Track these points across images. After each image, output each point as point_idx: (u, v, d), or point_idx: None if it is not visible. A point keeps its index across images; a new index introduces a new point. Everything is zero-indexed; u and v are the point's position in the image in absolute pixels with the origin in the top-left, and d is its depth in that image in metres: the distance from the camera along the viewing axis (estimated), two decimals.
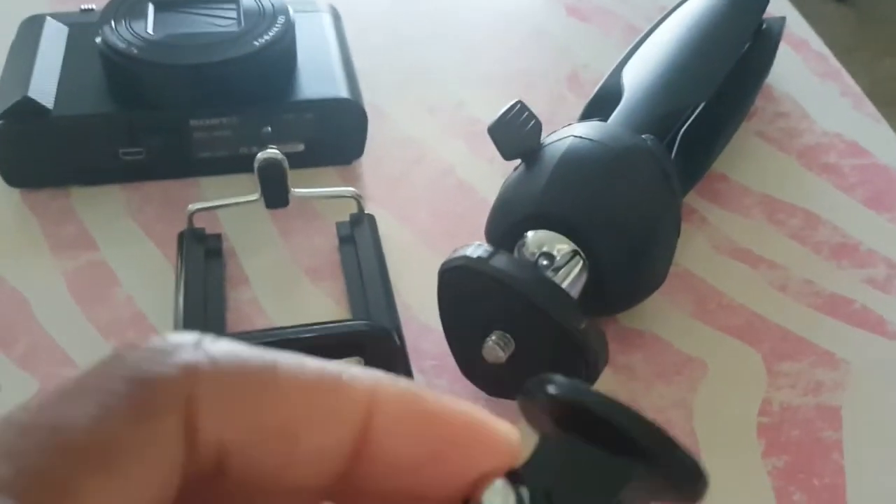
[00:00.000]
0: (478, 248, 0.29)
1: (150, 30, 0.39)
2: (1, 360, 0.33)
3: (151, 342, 0.14)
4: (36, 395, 0.14)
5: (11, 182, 0.39)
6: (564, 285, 0.30)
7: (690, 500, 0.17)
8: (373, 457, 0.15)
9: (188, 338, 0.14)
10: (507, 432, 0.16)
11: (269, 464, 0.15)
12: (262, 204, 0.36)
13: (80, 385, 0.14)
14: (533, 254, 0.32)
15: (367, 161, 0.42)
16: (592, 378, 0.29)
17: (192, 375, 0.14)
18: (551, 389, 0.16)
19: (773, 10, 0.46)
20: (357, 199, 0.38)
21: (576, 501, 0.16)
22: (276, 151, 0.35)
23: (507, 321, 0.29)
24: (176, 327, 0.33)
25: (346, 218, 0.38)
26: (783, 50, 0.48)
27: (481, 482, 0.16)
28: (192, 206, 0.36)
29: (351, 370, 0.16)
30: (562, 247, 0.31)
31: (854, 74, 0.50)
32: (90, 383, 0.14)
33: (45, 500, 0.12)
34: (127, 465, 0.13)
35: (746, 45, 0.44)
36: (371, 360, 0.31)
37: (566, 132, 0.33)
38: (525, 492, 0.16)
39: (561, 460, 0.16)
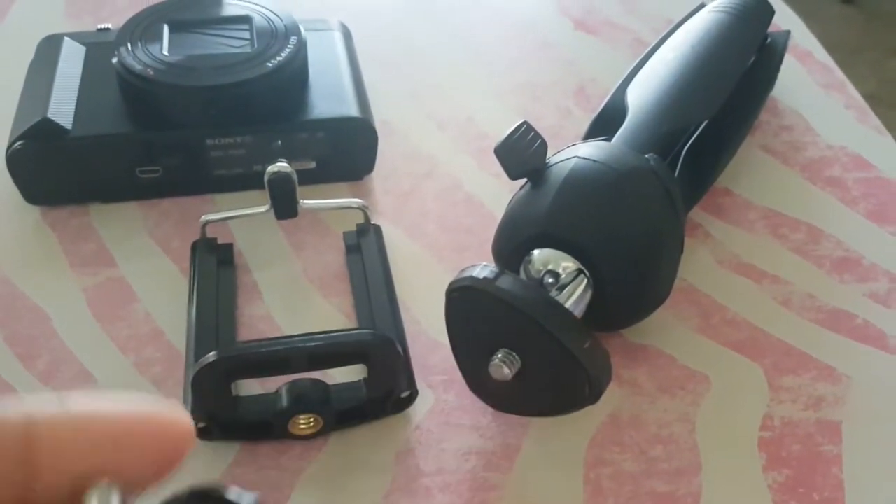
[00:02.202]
0: (484, 268, 0.30)
1: (165, 51, 0.40)
2: (23, 375, 0.34)
3: None
4: None
5: (31, 200, 0.40)
6: (569, 304, 0.31)
7: None
8: (47, 476, 0.16)
9: None
10: (180, 419, 0.17)
11: None
12: (272, 215, 0.37)
13: None
14: (539, 271, 0.33)
15: (378, 176, 0.43)
16: (596, 395, 0.30)
17: None
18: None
19: (778, 21, 0.47)
20: (363, 209, 0.39)
21: None
22: (286, 164, 0.36)
23: (512, 340, 0.29)
24: (189, 332, 0.34)
25: (354, 229, 0.39)
26: (787, 61, 0.48)
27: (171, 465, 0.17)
28: (206, 217, 0.38)
29: (4, 403, 0.17)
30: (567, 265, 0.32)
31: (861, 76, 0.51)
32: None
33: None
34: None
35: (751, 60, 0.45)
36: (374, 369, 0.32)
37: (570, 153, 0.34)
38: None
39: None
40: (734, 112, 0.42)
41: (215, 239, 0.38)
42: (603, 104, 0.42)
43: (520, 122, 0.34)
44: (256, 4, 0.43)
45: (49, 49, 0.43)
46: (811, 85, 0.50)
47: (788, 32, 0.48)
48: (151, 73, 0.38)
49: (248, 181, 0.40)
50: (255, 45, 0.40)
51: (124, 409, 0.17)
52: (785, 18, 0.54)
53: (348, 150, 0.41)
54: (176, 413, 0.18)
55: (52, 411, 0.17)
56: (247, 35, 0.41)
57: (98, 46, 0.43)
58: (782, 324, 0.37)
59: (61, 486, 0.17)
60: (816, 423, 0.33)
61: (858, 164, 0.45)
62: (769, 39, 0.47)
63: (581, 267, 0.32)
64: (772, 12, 0.46)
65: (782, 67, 0.47)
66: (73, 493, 0.17)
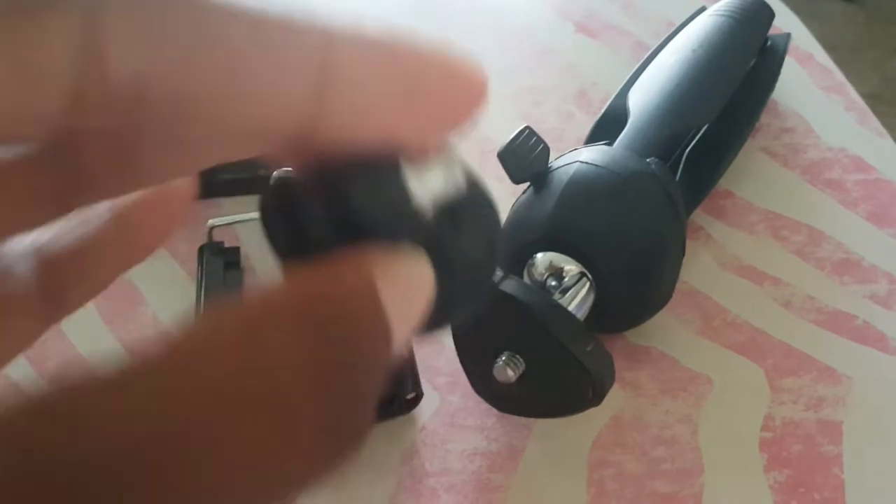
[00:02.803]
0: None
1: None
2: (33, 378, 0.35)
3: None
4: None
5: None
6: (571, 306, 0.32)
7: None
8: (336, 102, 0.13)
9: None
10: (479, 70, 0.15)
11: (209, 92, 0.13)
12: None
13: None
14: (542, 274, 0.33)
15: None
16: (599, 397, 0.30)
17: None
18: None
19: (778, 23, 0.47)
20: None
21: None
22: (290, 169, 0.36)
23: (516, 343, 0.30)
24: None
25: None
26: (788, 63, 0.49)
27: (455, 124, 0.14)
28: (212, 221, 0.38)
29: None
30: (569, 268, 0.32)
31: (863, 74, 0.51)
32: None
33: None
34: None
35: (752, 63, 0.45)
36: None
37: (573, 157, 0.34)
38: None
39: None
40: (735, 115, 0.42)
41: (222, 242, 0.39)
42: (605, 108, 0.42)
43: (522, 127, 0.34)
44: None
45: None
46: (812, 87, 0.50)
47: (789, 35, 0.49)
48: None
49: (253, 185, 0.41)
50: None
51: (429, 45, 0.14)
52: (785, 20, 0.54)
53: None
54: (477, 64, 0.14)
55: (355, 25, 0.14)
56: None
57: None
58: (783, 325, 0.37)
59: (351, 122, 0.14)
60: (817, 423, 0.33)
61: (858, 166, 0.45)
62: (769, 42, 0.47)
63: (584, 270, 0.32)
64: (772, 15, 0.46)
65: (783, 69, 0.47)
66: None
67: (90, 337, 0.36)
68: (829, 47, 0.54)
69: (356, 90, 0.14)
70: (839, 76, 0.51)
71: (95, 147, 0.14)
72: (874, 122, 0.48)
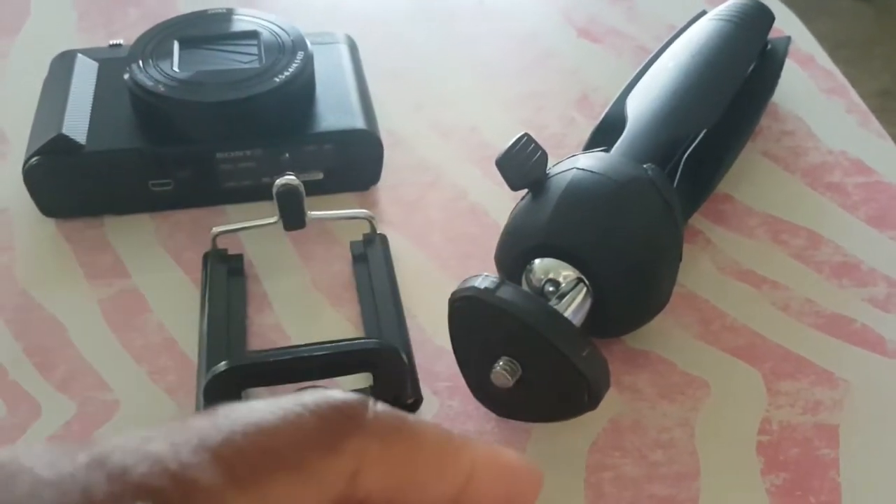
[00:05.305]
0: (485, 279, 0.30)
1: (175, 67, 0.41)
2: (41, 384, 0.35)
3: (328, 393, 0.17)
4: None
5: (48, 213, 0.41)
6: (568, 312, 0.32)
7: None
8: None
9: (356, 396, 0.18)
10: (538, 471, 0.20)
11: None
12: (281, 226, 0.38)
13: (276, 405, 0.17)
14: (540, 280, 0.33)
15: (384, 186, 0.44)
16: (595, 401, 0.30)
17: (366, 430, 0.17)
18: None
19: (780, 25, 0.47)
20: (370, 220, 0.40)
21: None
22: (293, 177, 0.37)
23: (513, 348, 0.30)
24: (201, 342, 0.35)
25: (360, 238, 0.40)
26: (789, 65, 0.49)
27: None
28: (216, 229, 0.39)
29: (456, 436, 0.19)
30: (567, 274, 0.33)
31: (873, 70, 0.51)
32: (283, 405, 0.17)
33: (246, 478, 0.15)
34: (307, 477, 0.16)
35: (752, 67, 0.45)
36: (380, 377, 0.33)
37: (570, 164, 0.35)
38: None
39: None
40: (734, 119, 0.43)
41: (226, 250, 0.39)
42: (603, 114, 0.42)
43: (521, 134, 0.35)
44: (264, 19, 0.44)
45: (63, 65, 0.45)
46: (812, 90, 0.50)
47: (789, 38, 0.49)
48: (162, 89, 0.39)
49: (257, 193, 0.41)
50: (264, 61, 0.41)
51: (521, 461, 0.20)
52: (787, 22, 0.54)
53: (355, 161, 0.42)
54: (531, 465, 0.20)
55: (487, 451, 0.19)
56: (255, 50, 0.42)
57: (110, 62, 0.44)
58: (781, 329, 0.37)
59: None
60: (814, 427, 0.34)
61: (859, 168, 0.45)
62: (770, 46, 0.47)
63: (580, 276, 0.33)
64: (772, 19, 0.46)
65: (784, 72, 0.48)
66: None
67: (96, 344, 0.37)
68: (839, 44, 0.54)
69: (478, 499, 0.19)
70: (840, 78, 0.51)
71: None
72: (875, 124, 0.48)
